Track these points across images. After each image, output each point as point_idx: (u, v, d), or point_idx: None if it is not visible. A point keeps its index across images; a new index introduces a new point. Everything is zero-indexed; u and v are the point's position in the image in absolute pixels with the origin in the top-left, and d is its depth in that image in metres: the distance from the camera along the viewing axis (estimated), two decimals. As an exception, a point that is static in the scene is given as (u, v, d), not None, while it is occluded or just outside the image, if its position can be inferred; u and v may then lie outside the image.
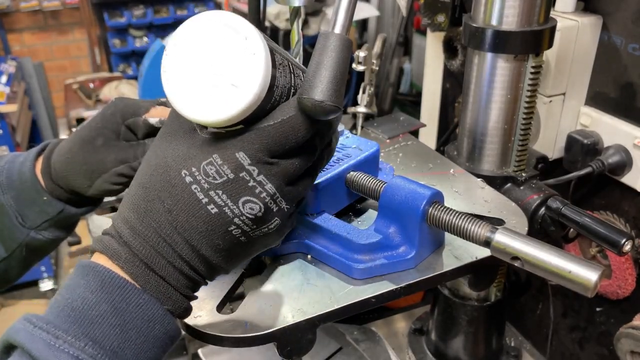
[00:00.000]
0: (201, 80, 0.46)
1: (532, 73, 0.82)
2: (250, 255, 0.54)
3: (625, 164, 0.92)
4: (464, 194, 0.82)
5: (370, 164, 0.75)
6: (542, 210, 0.85)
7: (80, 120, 3.31)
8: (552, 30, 0.81)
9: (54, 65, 4.32)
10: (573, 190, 1.00)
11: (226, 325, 0.59)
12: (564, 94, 0.99)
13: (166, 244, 0.48)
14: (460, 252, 0.69)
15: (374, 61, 1.00)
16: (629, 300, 0.99)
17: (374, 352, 1.06)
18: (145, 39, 4.23)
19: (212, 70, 0.46)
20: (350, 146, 0.76)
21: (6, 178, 0.68)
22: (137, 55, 4.23)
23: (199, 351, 1.11)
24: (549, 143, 1.02)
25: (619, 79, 0.93)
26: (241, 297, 0.64)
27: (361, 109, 1.02)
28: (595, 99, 0.99)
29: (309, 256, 0.69)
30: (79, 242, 0.94)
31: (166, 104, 0.69)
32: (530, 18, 0.79)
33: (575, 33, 0.93)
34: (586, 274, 0.53)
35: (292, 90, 0.51)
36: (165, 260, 0.48)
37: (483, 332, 1.02)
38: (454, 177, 0.87)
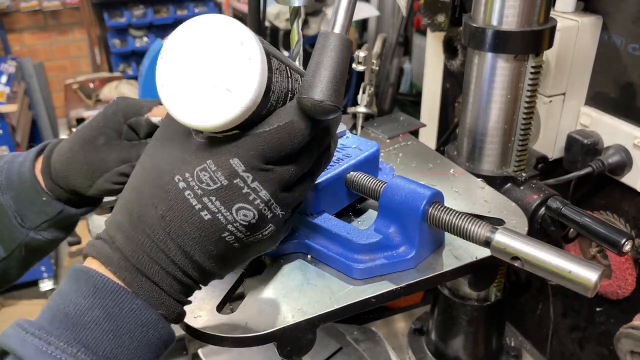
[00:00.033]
0: (196, 84, 0.46)
1: (532, 73, 0.82)
2: (245, 260, 0.53)
3: (625, 164, 0.92)
4: (464, 194, 0.82)
5: (370, 164, 0.75)
6: (542, 210, 0.85)
7: (80, 120, 3.31)
8: (552, 30, 0.81)
9: (54, 65, 4.32)
10: (573, 190, 1.00)
11: (226, 325, 0.59)
12: (564, 94, 0.99)
13: (159, 249, 0.47)
14: (460, 252, 0.69)
15: (374, 61, 1.00)
16: (629, 300, 0.99)
17: (374, 352, 1.06)
18: (145, 39, 4.23)
19: (208, 75, 0.46)
20: (350, 146, 0.76)
21: (5, 178, 0.68)
22: (137, 55, 4.23)
23: (199, 351, 1.11)
24: (549, 143, 1.02)
25: (619, 79, 0.93)
26: (241, 297, 0.64)
27: (361, 109, 1.02)
28: (595, 99, 0.99)
29: (309, 256, 0.69)
30: (79, 242, 0.94)
31: None
32: (530, 18, 0.79)
33: (575, 33, 0.93)
34: (586, 274, 0.53)
35: (289, 95, 0.51)
36: (158, 266, 0.47)
37: (483, 332, 1.02)
38: (454, 177, 0.87)
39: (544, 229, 0.86)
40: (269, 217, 0.49)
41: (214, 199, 0.46)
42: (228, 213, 0.47)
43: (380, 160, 0.80)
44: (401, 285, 0.64)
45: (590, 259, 1.04)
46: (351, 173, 0.71)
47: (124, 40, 4.22)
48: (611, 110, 0.96)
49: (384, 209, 0.66)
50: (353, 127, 1.04)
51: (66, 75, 4.24)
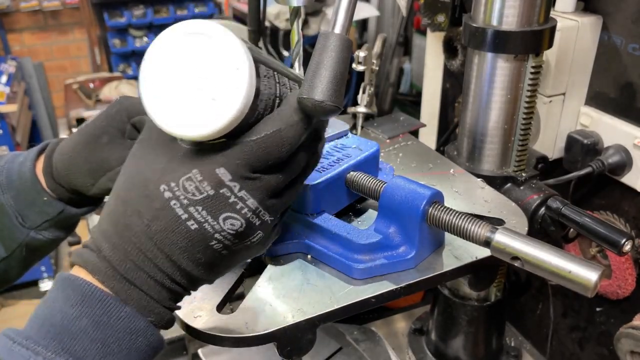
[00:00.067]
0: (181, 93, 0.45)
1: (532, 73, 0.82)
2: (234, 265, 0.53)
3: (625, 164, 0.92)
4: (464, 194, 0.82)
5: (370, 164, 0.75)
6: (542, 210, 0.85)
7: (80, 120, 3.31)
8: (552, 30, 0.81)
9: (54, 65, 4.32)
10: (573, 190, 1.00)
11: (226, 325, 0.59)
12: (564, 94, 0.99)
13: (146, 258, 0.47)
14: (460, 252, 0.69)
15: (374, 61, 1.00)
16: (629, 300, 0.99)
17: (374, 352, 1.06)
18: (145, 39, 4.23)
19: (193, 84, 0.44)
20: (350, 146, 0.76)
21: (6, 178, 0.67)
22: (137, 55, 4.23)
23: (199, 351, 1.11)
24: (549, 143, 1.02)
25: (619, 79, 0.93)
26: (241, 297, 0.64)
27: (361, 109, 1.02)
28: (595, 99, 0.99)
29: (309, 256, 0.69)
30: (79, 242, 0.94)
31: None
32: (530, 18, 0.79)
33: (575, 33, 0.93)
34: (586, 274, 0.53)
35: (277, 101, 0.50)
36: (146, 275, 0.47)
37: (483, 332, 1.02)
38: (454, 177, 0.87)
39: (544, 229, 0.86)
40: (257, 224, 0.49)
41: (200, 208, 0.46)
42: (215, 222, 0.46)
43: (380, 160, 0.80)
44: (401, 285, 0.64)
45: (590, 259, 1.04)
46: (351, 173, 0.71)
47: (124, 40, 4.22)
48: (611, 110, 0.96)
49: (384, 209, 0.66)
50: (353, 127, 1.04)
51: (66, 75, 4.24)
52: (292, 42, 0.76)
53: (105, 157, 0.67)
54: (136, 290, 0.47)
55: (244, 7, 3.04)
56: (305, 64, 0.57)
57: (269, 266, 0.68)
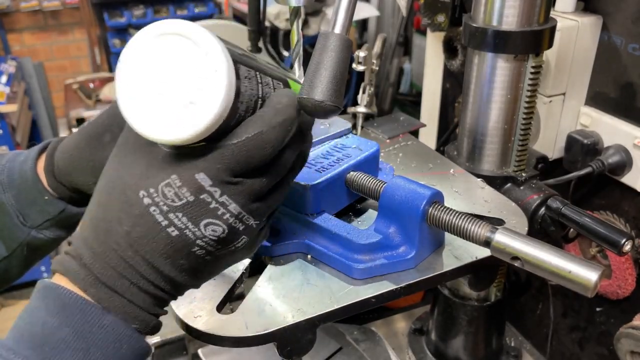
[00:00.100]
0: (158, 96, 0.43)
1: (532, 73, 0.82)
2: (220, 270, 0.52)
3: (625, 164, 0.92)
4: (464, 194, 0.82)
5: (370, 164, 0.75)
6: (542, 210, 0.85)
7: (80, 120, 3.30)
8: (552, 30, 0.81)
9: (54, 65, 4.32)
10: (573, 190, 1.00)
11: (226, 325, 0.59)
12: (564, 94, 0.99)
13: (128, 265, 0.46)
14: (460, 252, 0.69)
15: (374, 61, 1.00)
16: (629, 300, 0.99)
17: (374, 352, 1.06)
18: (145, 39, 4.23)
19: (170, 86, 0.43)
20: (350, 146, 0.76)
21: (7, 177, 0.67)
22: (137, 56, 4.22)
23: (199, 351, 1.11)
24: (549, 143, 1.02)
25: (619, 79, 0.93)
26: (241, 297, 0.64)
27: (361, 109, 1.02)
28: (595, 99, 0.99)
29: (309, 256, 0.69)
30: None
31: None
32: (530, 18, 0.79)
33: (575, 33, 0.93)
34: (586, 274, 0.53)
35: (259, 102, 0.48)
36: (128, 282, 0.46)
37: (483, 332, 1.02)
38: (454, 177, 0.87)
39: (544, 229, 0.86)
40: (240, 229, 0.48)
41: (180, 215, 0.45)
42: (196, 229, 0.45)
43: (380, 160, 0.80)
44: (401, 285, 0.64)
45: (590, 259, 1.04)
46: (351, 173, 0.71)
47: (124, 40, 4.21)
48: (611, 110, 0.96)
49: (384, 209, 0.66)
50: (353, 127, 1.04)
51: (66, 75, 4.24)
52: (292, 42, 0.76)
53: (107, 156, 0.67)
54: (119, 297, 0.46)
55: (244, 7, 3.04)
56: (305, 64, 0.57)
57: (269, 266, 0.68)
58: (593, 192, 1.02)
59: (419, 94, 1.90)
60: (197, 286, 0.51)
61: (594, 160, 0.94)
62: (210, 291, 0.64)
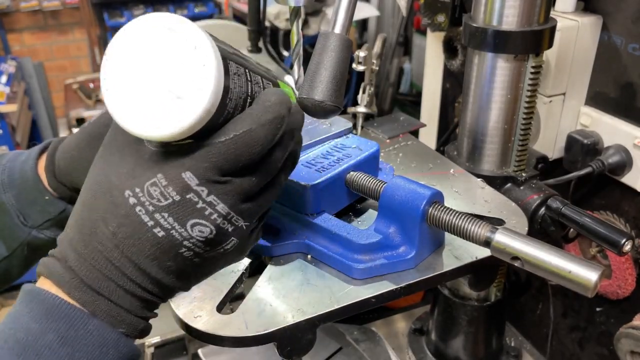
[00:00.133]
0: (144, 91, 0.42)
1: (532, 73, 0.82)
2: (210, 273, 0.51)
3: (625, 164, 0.92)
4: (464, 194, 0.82)
5: (370, 164, 0.75)
6: (542, 210, 0.85)
7: (80, 120, 3.31)
8: (552, 30, 0.81)
9: (54, 65, 4.32)
10: (573, 190, 1.00)
11: (226, 325, 0.59)
12: (564, 94, 0.99)
13: (114, 267, 0.45)
14: (460, 252, 0.69)
15: (374, 61, 1.00)
16: (629, 300, 0.99)
17: (374, 352, 1.06)
18: (145, 39, 4.23)
19: (157, 81, 0.42)
20: (350, 146, 0.76)
21: (7, 177, 0.67)
22: (137, 55, 4.22)
23: (199, 351, 1.11)
24: (549, 143, 1.02)
25: (619, 79, 0.93)
26: (241, 297, 0.64)
27: (361, 109, 1.02)
28: (595, 99, 0.99)
29: (309, 256, 0.69)
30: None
31: None
32: (531, 18, 0.79)
33: (575, 33, 0.93)
34: (586, 274, 0.53)
35: (248, 100, 0.47)
36: (114, 284, 0.45)
37: (483, 332, 1.02)
38: (454, 177, 0.87)
39: (544, 229, 0.86)
40: (229, 230, 0.47)
41: (166, 215, 0.44)
42: (182, 229, 0.44)
43: (380, 160, 0.80)
44: (401, 285, 0.64)
45: (590, 259, 1.04)
46: (351, 173, 0.71)
47: (124, 40, 4.21)
48: (611, 110, 0.96)
49: (384, 209, 0.66)
50: (353, 127, 1.04)
51: (66, 75, 4.24)
52: (292, 42, 0.76)
53: None
54: (105, 301, 0.45)
55: (244, 7, 3.04)
56: (305, 64, 0.57)
57: (269, 266, 0.68)
58: (593, 192, 1.02)
59: (419, 94, 1.90)
60: (186, 289, 0.50)
61: (594, 160, 0.94)
62: (210, 291, 0.64)
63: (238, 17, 3.16)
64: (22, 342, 0.42)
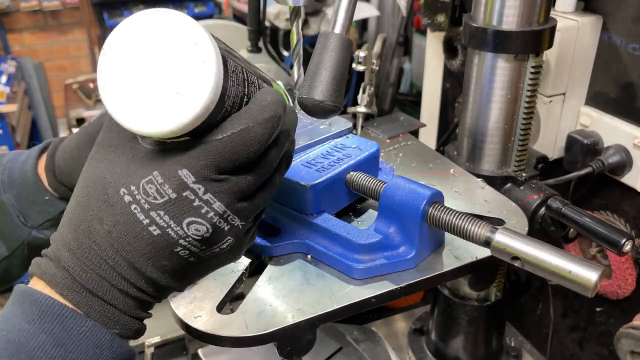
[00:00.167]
0: (143, 87, 0.41)
1: (532, 73, 0.82)
2: (206, 273, 0.51)
3: (625, 164, 0.92)
4: (464, 194, 0.82)
5: (370, 164, 0.75)
6: (542, 210, 0.85)
7: (80, 120, 3.31)
8: (552, 30, 0.81)
9: (54, 65, 4.32)
10: (573, 190, 1.00)
11: (226, 325, 0.59)
12: (564, 94, 0.99)
13: (108, 266, 0.44)
14: (460, 252, 0.69)
15: (374, 61, 1.00)
16: (629, 300, 0.99)
17: (374, 352, 1.06)
18: (145, 39, 4.23)
19: (156, 77, 0.41)
20: (350, 146, 0.76)
21: (8, 177, 0.67)
22: (137, 55, 4.22)
23: (199, 351, 1.11)
24: (549, 143, 1.02)
25: (619, 79, 0.93)
26: (241, 297, 0.64)
27: (361, 109, 1.02)
28: (595, 99, 0.99)
29: (309, 256, 0.69)
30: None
31: None
32: (531, 18, 0.79)
33: (575, 33, 0.93)
34: (586, 274, 0.53)
35: (245, 99, 0.47)
36: (109, 284, 0.45)
37: (483, 332, 1.02)
38: (454, 177, 0.87)
39: (544, 229, 0.86)
40: (225, 229, 0.46)
41: (162, 213, 0.43)
42: (178, 228, 0.44)
43: (380, 160, 0.80)
44: (401, 285, 0.64)
45: (590, 259, 1.04)
46: (351, 173, 0.71)
47: (124, 40, 4.21)
48: (611, 110, 0.96)
49: (384, 209, 0.66)
50: (353, 127, 1.04)
51: (66, 75, 4.24)
52: (292, 42, 0.76)
53: None
54: (98, 301, 0.44)
55: (244, 7, 3.03)
56: (305, 64, 0.57)
57: (269, 266, 0.68)
58: (593, 192, 1.02)
59: (419, 94, 1.90)
60: (181, 289, 0.50)
61: (594, 160, 0.94)
62: (210, 291, 0.64)
63: (238, 17, 3.16)
64: (15, 343, 0.42)
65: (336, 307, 0.61)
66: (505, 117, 0.85)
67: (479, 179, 0.86)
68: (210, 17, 3.88)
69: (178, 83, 0.41)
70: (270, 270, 0.67)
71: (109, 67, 0.42)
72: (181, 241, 0.45)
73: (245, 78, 0.48)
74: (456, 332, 1.01)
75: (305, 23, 2.41)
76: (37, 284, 0.46)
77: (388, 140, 1.00)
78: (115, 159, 0.46)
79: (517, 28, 0.79)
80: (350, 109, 1.04)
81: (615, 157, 0.92)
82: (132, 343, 0.49)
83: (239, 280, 0.67)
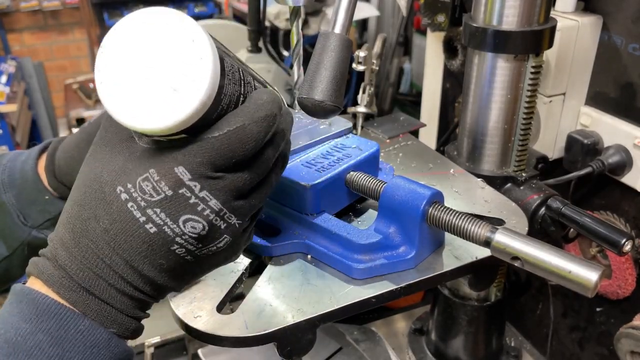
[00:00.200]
0: (140, 84, 0.42)
1: (532, 73, 0.82)
2: (203, 273, 0.51)
3: (625, 164, 0.92)
4: (464, 194, 0.82)
5: (370, 164, 0.75)
6: (542, 210, 0.85)
7: (80, 120, 3.31)
8: (552, 30, 0.81)
9: (54, 65, 4.32)
10: (573, 190, 1.00)
11: (226, 325, 0.59)
12: (564, 94, 0.99)
13: (105, 265, 0.44)
14: (460, 252, 0.69)
15: (374, 61, 1.00)
16: (629, 300, 0.99)
17: (374, 352, 1.06)
18: (145, 39, 4.23)
19: (153, 74, 0.42)
20: (350, 146, 0.76)
21: (8, 177, 0.67)
22: (137, 55, 4.22)
23: (199, 351, 1.11)
24: (549, 143, 1.02)
25: (619, 79, 0.93)
26: (241, 297, 0.64)
27: (361, 109, 1.02)
28: (595, 99, 0.99)
29: (309, 256, 0.69)
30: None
31: None
32: (531, 18, 0.79)
33: (575, 33, 0.93)
34: (586, 274, 0.53)
35: (241, 99, 0.47)
36: (106, 283, 0.45)
37: (483, 332, 1.02)
38: (454, 177, 0.87)
39: (544, 229, 0.86)
40: (222, 227, 0.46)
41: (158, 210, 0.43)
42: (175, 225, 0.44)
43: (380, 160, 0.80)
44: (401, 285, 0.64)
45: (590, 259, 1.04)
46: (351, 173, 0.71)
47: (124, 40, 4.21)
48: (611, 110, 0.96)
49: (384, 209, 0.66)
50: (353, 127, 1.04)
51: (66, 75, 4.24)
52: (292, 42, 0.76)
53: None
54: (95, 300, 0.45)
55: (244, 7, 3.03)
56: (305, 64, 0.57)
57: (269, 266, 0.68)
58: (593, 192, 1.02)
59: (419, 94, 1.90)
60: (178, 289, 0.50)
61: (594, 160, 0.94)
62: (210, 291, 0.64)
63: (238, 17, 3.16)
64: (12, 342, 0.42)
65: (336, 307, 0.61)
66: (505, 117, 0.85)
67: (479, 179, 0.86)
68: (210, 17, 3.88)
69: (175, 80, 0.41)
70: (270, 270, 0.67)
71: (107, 65, 0.42)
72: (177, 239, 0.45)
73: (242, 77, 0.48)
74: (456, 332, 1.01)
75: (305, 23, 2.41)
76: (34, 284, 0.46)
77: (388, 140, 1.00)
78: (112, 158, 0.46)
79: (517, 28, 0.79)
80: (350, 109, 1.04)
81: (615, 157, 0.92)
82: (132, 343, 0.49)
83: (239, 280, 0.67)
